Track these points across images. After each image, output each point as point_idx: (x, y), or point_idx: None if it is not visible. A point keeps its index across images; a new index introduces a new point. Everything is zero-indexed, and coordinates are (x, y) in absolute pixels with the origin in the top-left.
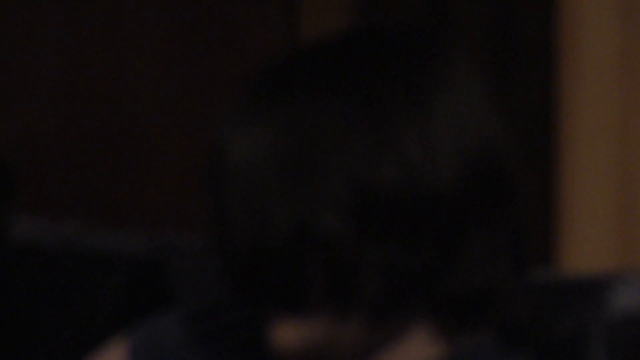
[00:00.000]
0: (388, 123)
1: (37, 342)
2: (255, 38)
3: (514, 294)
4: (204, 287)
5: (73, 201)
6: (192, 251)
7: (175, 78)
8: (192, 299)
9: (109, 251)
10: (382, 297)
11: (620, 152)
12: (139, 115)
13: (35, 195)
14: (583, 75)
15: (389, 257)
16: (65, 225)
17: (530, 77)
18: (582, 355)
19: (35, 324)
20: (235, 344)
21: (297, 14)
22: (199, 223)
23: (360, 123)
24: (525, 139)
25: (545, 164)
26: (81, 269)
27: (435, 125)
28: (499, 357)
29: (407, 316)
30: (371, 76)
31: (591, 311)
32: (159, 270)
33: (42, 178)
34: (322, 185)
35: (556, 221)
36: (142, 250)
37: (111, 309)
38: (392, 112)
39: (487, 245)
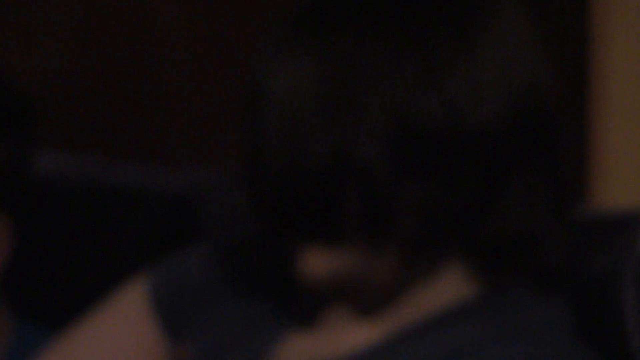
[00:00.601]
0: (435, 59)
1: (60, 278)
2: None
3: (552, 240)
4: (231, 224)
5: (95, 136)
6: (219, 188)
7: (199, 14)
8: (219, 237)
9: (133, 187)
10: (417, 233)
11: None
12: (163, 49)
13: (57, 130)
14: (616, 10)
15: (426, 193)
16: (89, 160)
17: (563, 12)
18: (614, 295)
19: (58, 260)
20: (262, 283)
21: None
22: (223, 160)
23: (407, 57)
24: (558, 74)
25: (577, 99)
26: (105, 204)
27: (482, 66)
28: (532, 300)
29: (441, 256)
30: (421, 13)
31: (623, 250)
32: (185, 207)
33: (64, 112)
34: (363, 116)
35: (589, 156)
36: (168, 187)
37: (136, 245)
38: (440, 50)
39: (528, 189)
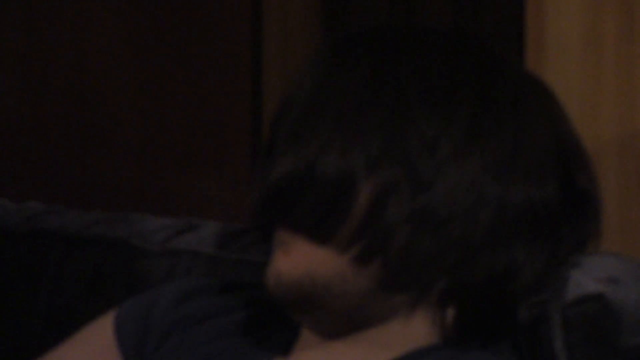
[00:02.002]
0: (482, 124)
1: (3, 322)
2: (220, 19)
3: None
4: (173, 265)
5: (34, 182)
6: (161, 233)
7: (139, 58)
8: (185, 279)
9: (76, 231)
10: (410, 256)
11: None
12: (103, 95)
13: None
14: (549, 65)
15: (439, 224)
16: (30, 206)
17: None
18: (543, 338)
19: (1, 305)
20: (232, 321)
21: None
22: (166, 203)
23: (457, 114)
24: None
25: None
26: (47, 248)
27: (523, 132)
28: (485, 351)
29: (418, 296)
30: (483, 79)
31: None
32: (129, 251)
33: (3, 159)
34: (403, 132)
35: None
36: (110, 231)
37: (78, 289)
38: (487, 114)
39: (540, 256)
